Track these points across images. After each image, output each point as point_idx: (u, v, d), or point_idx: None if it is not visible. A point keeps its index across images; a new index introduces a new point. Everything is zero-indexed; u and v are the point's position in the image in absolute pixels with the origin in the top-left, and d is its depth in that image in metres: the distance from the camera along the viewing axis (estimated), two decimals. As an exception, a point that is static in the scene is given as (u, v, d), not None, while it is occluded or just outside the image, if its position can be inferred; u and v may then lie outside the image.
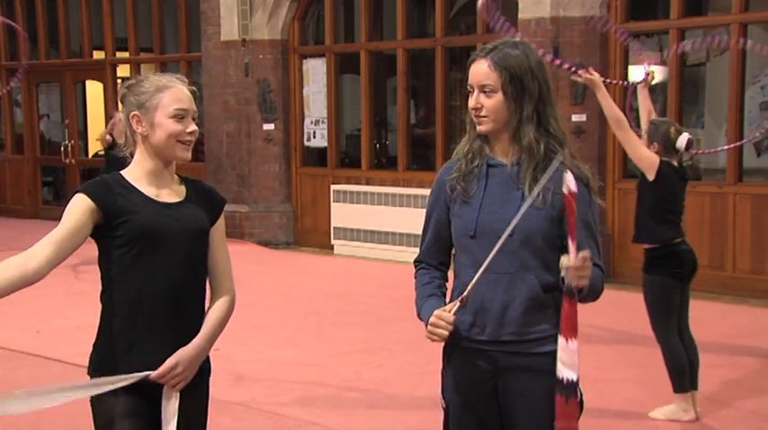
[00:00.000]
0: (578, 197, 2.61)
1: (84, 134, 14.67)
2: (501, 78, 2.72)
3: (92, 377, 2.77)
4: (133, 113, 2.80)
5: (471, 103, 2.77)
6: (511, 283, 2.72)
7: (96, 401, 2.75)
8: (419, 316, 2.81)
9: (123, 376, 2.69)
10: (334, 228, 11.34)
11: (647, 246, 5.27)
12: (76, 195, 2.73)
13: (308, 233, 12.12)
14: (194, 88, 2.89)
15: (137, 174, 2.82)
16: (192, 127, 2.80)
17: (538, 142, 2.73)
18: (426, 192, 10.66)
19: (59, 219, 2.72)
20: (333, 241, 11.43)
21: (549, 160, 2.72)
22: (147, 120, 2.78)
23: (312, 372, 6.34)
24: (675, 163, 5.26)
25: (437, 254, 2.90)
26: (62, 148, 14.39)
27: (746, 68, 9.06)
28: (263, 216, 12.16)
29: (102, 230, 2.73)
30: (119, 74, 14.15)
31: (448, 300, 2.84)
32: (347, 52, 12.11)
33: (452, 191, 2.81)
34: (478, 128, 2.78)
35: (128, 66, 13.90)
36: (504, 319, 2.73)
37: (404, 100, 11.46)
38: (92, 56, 14.75)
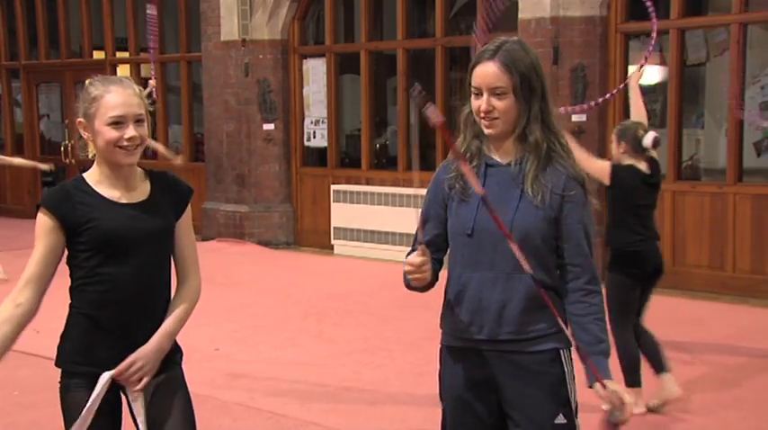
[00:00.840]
0: (574, 198, 2.65)
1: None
2: (512, 80, 2.70)
3: (61, 369, 2.81)
4: (79, 120, 2.81)
5: (482, 106, 2.73)
6: (508, 283, 2.72)
7: (65, 399, 2.77)
8: (405, 281, 2.79)
9: (93, 397, 2.70)
10: (334, 228, 11.34)
11: (611, 247, 5.40)
12: (39, 214, 2.76)
13: (308, 233, 12.11)
14: (137, 88, 2.84)
15: (97, 177, 2.82)
16: (131, 132, 2.75)
17: (543, 140, 2.73)
18: (425, 191, 10.67)
19: None
20: (333, 241, 11.43)
21: (549, 158, 2.73)
22: (90, 128, 2.78)
23: (312, 372, 6.34)
24: (643, 166, 5.32)
25: (431, 251, 2.87)
26: (62, 148, 14.39)
27: (747, 68, 9.05)
28: (263, 216, 12.15)
29: (67, 238, 2.76)
30: (119, 74, 14.14)
31: (443, 301, 2.86)
32: (347, 52, 12.10)
33: (450, 189, 2.81)
34: (488, 130, 2.75)
35: (128, 66, 13.90)
36: (501, 319, 2.72)
37: (404, 100, 11.45)
38: (92, 56, 14.74)
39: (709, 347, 6.79)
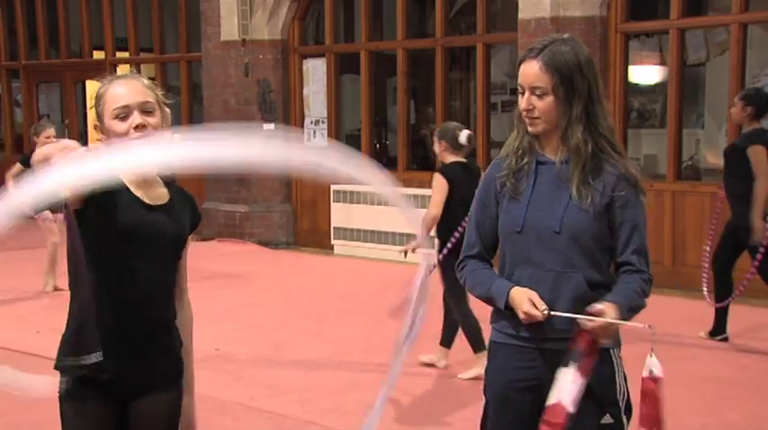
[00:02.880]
0: (625, 197, 2.70)
1: (84, 134, 14.66)
2: (552, 80, 2.70)
3: (60, 374, 2.74)
4: (95, 124, 2.79)
5: (523, 104, 2.74)
6: (557, 281, 2.72)
7: (62, 403, 2.73)
8: (489, 294, 2.78)
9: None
10: (334, 228, 11.33)
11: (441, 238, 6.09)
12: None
13: (308, 233, 12.11)
14: (145, 80, 2.81)
15: (126, 174, 2.79)
16: (137, 120, 2.69)
17: (585, 143, 2.72)
18: (426, 191, 10.66)
19: None
20: (333, 241, 11.42)
21: (597, 160, 2.72)
22: (103, 128, 2.75)
23: (312, 372, 6.33)
24: (463, 160, 6.09)
25: (481, 250, 2.88)
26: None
27: (746, 68, 9.05)
28: (263, 216, 12.15)
29: (79, 221, 2.66)
30: (119, 74, 14.14)
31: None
32: (347, 52, 12.10)
33: (502, 187, 2.81)
34: (530, 129, 2.76)
35: (128, 66, 13.89)
36: (550, 317, 2.71)
37: (404, 100, 11.46)
38: (92, 56, 14.74)
39: (710, 347, 6.79)
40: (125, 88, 2.72)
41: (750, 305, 7.94)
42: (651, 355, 2.61)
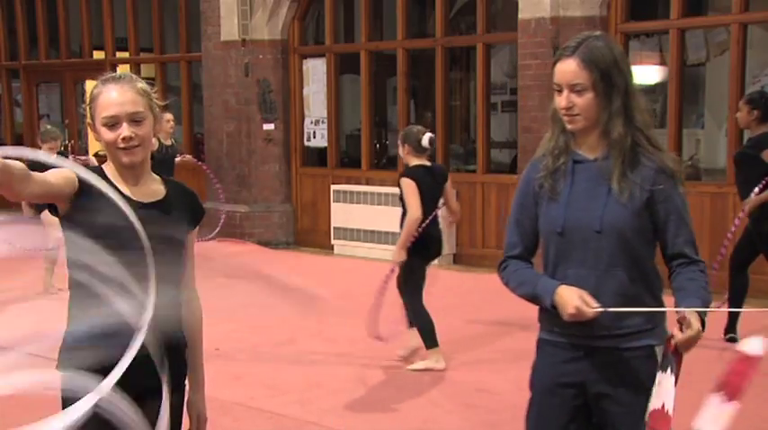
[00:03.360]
0: (665, 191, 2.71)
1: (83, 134, 14.67)
2: (591, 76, 2.71)
3: (60, 370, 2.73)
4: (88, 121, 2.79)
5: (562, 102, 2.75)
6: (600, 280, 2.73)
7: (65, 405, 2.71)
8: (535, 292, 2.78)
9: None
10: (334, 228, 11.34)
11: None
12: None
13: (308, 233, 12.12)
14: (143, 86, 2.79)
15: (113, 171, 2.80)
16: (125, 133, 2.69)
17: (626, 136, 2.73)
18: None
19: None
20: (333, 241, 11.43)
21: (634, 153, 2.74)
22: (94, 128, 2.77)
23: (312, 372, 6.34)
24: (426, 162, 6.31)
25: (523, 251, 2.89)
26: (62, 148, 14.37)
27: (747, 68, 9.06)
28: (263, 216, 12.16)
29: (68, 222, 2.65)
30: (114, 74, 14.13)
31: None
32: (347, 52, 12.10)
33: (540, 188, 2.82)
34: (571, 126, 2.77)
35: (128, 66, 13.89)
36: (594, 316, 2.72)
37: (404, 100, 11.46)
38: (92, 56, 14.74)
39: (710, 346, 6.78)
40: (117, 95, 2.70)
41: (750, 305, 7.94)
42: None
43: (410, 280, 6.32)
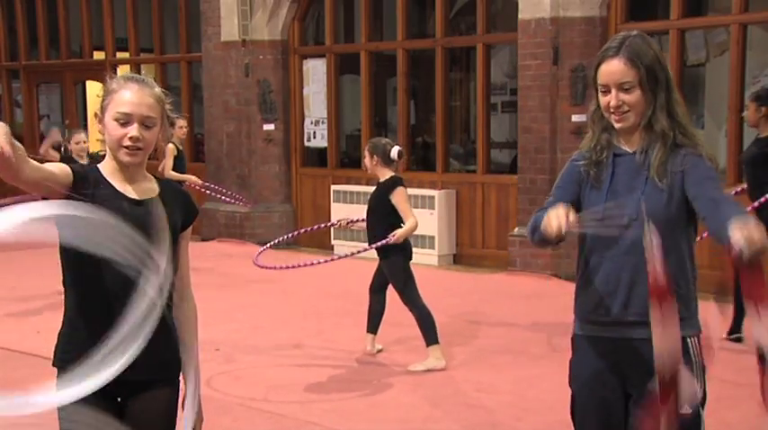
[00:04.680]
0: (691, 164, 2.75)
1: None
2: (638, 73, 2.77)
3: (57, 369, 2.73)
4: (95, 112, 2.81)
5: (612, 101, 2.79)
6: (637, 266, 2.75)
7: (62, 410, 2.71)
8: (534, 228, 2.79)
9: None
10: (335, 228, 11.32)
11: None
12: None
13: (308, 233, 12.09)
14: (159, 92, 2.82)
15: (109, 169, 2.81)
16: (133, 132, 2.72)
17: (669, 128, 2.80)
18: (426, 192, 10.66)
19: None
20: (332, 241, 11.43)
21: (675, 145, 2.80)
22: (102, 120, 2.78)
23: (312, 372, 6.34)
24: (394, 173, 6.58)
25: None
26: (61, 148, 14.37)
27: (746, 69, 9.06)
28: (264, 216, 12.16)
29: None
30: (119, 74, 14.14)
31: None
32: (347, 53, 12.11)
33: (586, 174, 2.88)
34: (621, 125, 2.82)
35: (128, 66, 13.90)
36: (629, 301, 2.78)
37: (404, 100, 11.46)
38: (92, 56, 14.75)
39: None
40: (135, 95, 2.74)
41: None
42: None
43: (407, 280, 6.44)
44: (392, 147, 6.55)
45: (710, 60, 11.72)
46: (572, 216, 2.66)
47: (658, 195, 2.77)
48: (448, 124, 11.29)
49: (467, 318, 7.90)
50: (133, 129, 2.72)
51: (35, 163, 2.57)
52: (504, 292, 9.02)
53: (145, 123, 2.74)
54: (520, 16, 9.64)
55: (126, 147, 2.73)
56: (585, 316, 2.84)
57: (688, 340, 2.79)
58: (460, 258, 10.65)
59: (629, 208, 2.77)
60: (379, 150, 6.52)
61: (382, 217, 6.51)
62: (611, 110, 2.81)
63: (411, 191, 10.57)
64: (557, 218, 2.63)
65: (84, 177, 2.71)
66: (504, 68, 12.89)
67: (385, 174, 6.53)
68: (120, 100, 2.74)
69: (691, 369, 2.81)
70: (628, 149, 2.85)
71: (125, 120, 2.72)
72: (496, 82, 12.09)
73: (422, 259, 10.50)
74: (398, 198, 6.42)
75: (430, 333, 6.36)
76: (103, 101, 2.78)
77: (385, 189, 6.49)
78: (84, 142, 8.68)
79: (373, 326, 6.71)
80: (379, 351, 6.76)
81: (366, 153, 6.68)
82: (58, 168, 2.66)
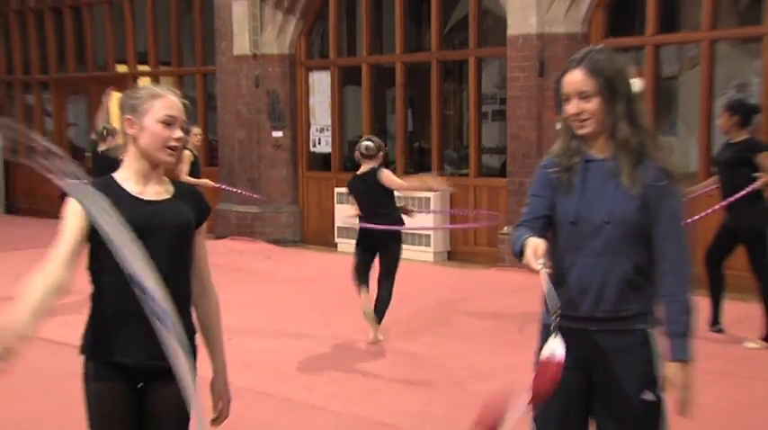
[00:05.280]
0: (664, 188, 2.73)
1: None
2: (597, 83, 2.74)
3: (85, 358, 2.73)
4: (126, 116, 2.77)
5: (572, 109, 2.77)
6: (608, 266, 2.74)
7: (87, 387, 2.71)
8: (515, 249, 2.74)
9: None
10: (338, 227, 11.32)
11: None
12: (69, 200, 2.69)
13: (314, 232, 12.10)
14: (186, 102, 2.85)
15: (125, 175, 2.78)
16: (179, 134, 2.75)
17: (632, 137, 2.76)
18: (423, 193, 10.61)
19: None
20: (336, 240, 11.41)
21: (640, 153, 2.76)
22: (138, 124, 2.74)
23: (317, 360, 6.33)
24: (374, 165, 6.78)
25: (536, 222, 2.84)
26: (87, 154, 14.37)
27: (715, 81, 9.06)
28: (273, 216, 12.14)
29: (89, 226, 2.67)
30: (146, 83, 14.12)
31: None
32: (350, 65, 12.10)
33: (558, 180, 2.83)
34: (581, 131, 2.79)
35: (148, 78, 13.87)
36: (600, 298, 2.75)
37: (402, 109, 11.45)
38: (115, 69, 14.73)
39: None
40: (177, 103, 2.77)
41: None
42: (558, 339, 2.58)
43: (397, 265, 6.77)
44: (362, 142, 6.90)
45: (683, 73, 11.71)
46: (541, 250, 2.61)
47: (629, 202, 2.73)
48: (442, 131, 11.28)
49: (460, 310, 7.89)
50: (178, 131, 2.74)
51: (63, 267, 2.58)
52: (495, 286, 9.00)
53: (183, 127, 2.77)
54: (509, 32, 9.63)
55: (170, 148, 2.74)
56: (553, 314, 2.73)
57: (649, 331, 2.77)
58: (454, 255, 10.64)
59: (601, 211, 2.74)
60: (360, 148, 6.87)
61: (384, 198, 6.82)
62: (573, 117, 2.78)
63: (408, 192, 10.60)
64: (534, 258, 2.60)
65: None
66: (494, 80, 12.87)
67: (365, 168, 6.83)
68: (167, 104, 2.74)
69: (652, 358, 2.77)
70: (599, 156, 2.81)
71: (171, 122, 2.73)
72: (487, 92, 12.07)
73: (418, 256, 10.50)
74: (390, 179, 6.74)
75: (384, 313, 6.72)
76: (140, 105, 2.74)
77: (384, 172, 6.78)
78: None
79: (381, 316, 6.72)
80: (379, 340, 6.74)
81: (372, 152, 6.91)
82: (78, 219, 2.65)
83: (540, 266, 2.56)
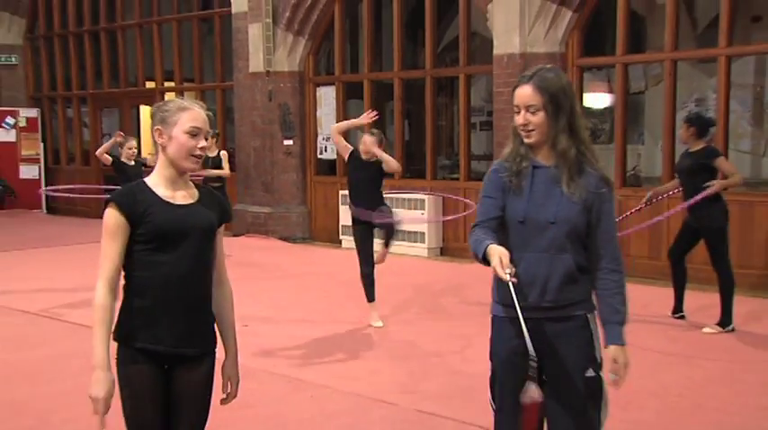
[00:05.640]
0: (604, 195, 2.75)
1: (137, 150, 14.64)
2: (542, 99, 2.71)
3: (118, 344, 2.73)
4: (156, 127, 2.75)
5: (520, 120, 2.75)
6: (551, 262, 2.73)
7: (119, 371, 2.71)
8: (476, 251, 2.69)
9: None
10: (342, 226, 11.30)
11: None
12: (108, 209, 2.67)
13: (321, 230, 12.10)
14: (210, 113, 2.83)
15: (155, 180, 2.76)
16: (203, 143, 2.73)
17: (570, 148, 2.74)
18: (417, 196, 10.61)
19: None
20: (341, 237, 11.40)
21: (579, 163, 2.75)
22: (166, 134, 2.73)
23: (324, 345, 6.32)
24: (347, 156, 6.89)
25: (491, 222, 2.80)
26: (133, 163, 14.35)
27: (677, 96, 9.07)
28: (284, 216, 12.14)
29: (130, 230, 2.69)
30: (172, 97, 14.13)
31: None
32: (353, 81, 12.09)
33: (509, 182, 2.80)
34: (527, 140, 2.77)
35: (174, 93, 13.88)
36: (545, 290, 2.73)
37: (399, 121, 11.44)
38: (145, 85, 14.74)
39: (647, 322, 6.77)
40: (202, 114, 2.75)
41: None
42: (533, 384, 2.59)
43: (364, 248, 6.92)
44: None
45: (649, 89, 11.72)
46: (506, 260, 2.56)
47: (572, 206, 2.71)
48: (436, 140, 11.27)
49: (452, 301, 7.89)
50: (202, 141, 2.73)
51: (113, 281, 2.67)
52: (484, 279, 8.89)
53: (206, 137, 2.76)
54: (495, 52, 9.62)
55: (195, 156, 2.72)
56: (506, 301, 2.70)
57: (587, 316, 2.78)
58: (446, 250, 10.63)
59: (547, 213, 2.72)
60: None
61: (375, 185, 6.91)
62: (520, 127, 2.76)
63: (406, 194, 10.61)
64: (501, 268, 2.54)
65: (132, 203, 2.67)
66: (482, 94, 12.89)
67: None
68: (193, 116, 2.72)
69: (592, 340, 2.77)
70: (544, 163, 2.78)
71: (196, 133, 2.71)
72: (476, 105, 12.07)
73: (413, 251, 10.50)
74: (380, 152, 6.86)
75: (369, 291, 6.81)
76: (169, 117, 2.72)
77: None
78: (135, 148, 8.64)
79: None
80: (380, 327, 6.73)
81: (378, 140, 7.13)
82: (119, 230, 2.65)
83: (508, 277, 2.53)
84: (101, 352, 2.62)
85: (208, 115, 2.81)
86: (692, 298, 7.05)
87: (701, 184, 6.44)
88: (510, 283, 2.53)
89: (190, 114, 2.72)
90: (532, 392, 2.57)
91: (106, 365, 2.61)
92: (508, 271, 2.53)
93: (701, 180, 6.45)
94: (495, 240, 2.67)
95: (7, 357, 5.98)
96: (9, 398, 5.08)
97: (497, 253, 2.57)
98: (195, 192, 2.81)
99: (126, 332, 2.71)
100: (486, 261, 2.62)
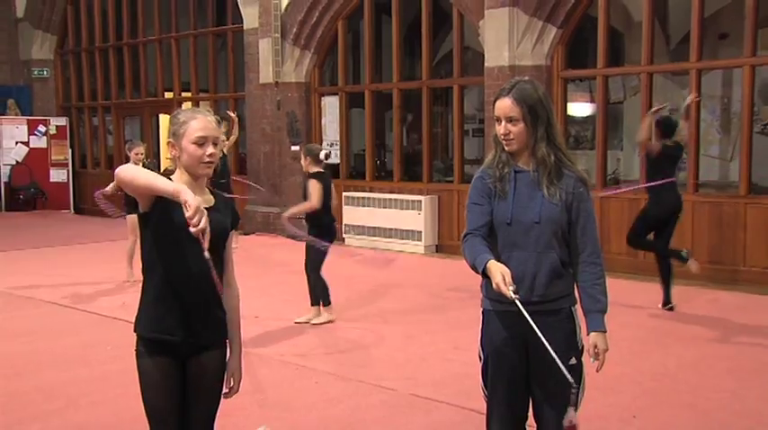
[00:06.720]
0: (581, 194, 2.75)
1: (157, 154, 14.67)
2: (522, 110, 2.71)
3: (137, 336, 2.72)
4: (169, 141, 2.75)
5: (501, 130, 2.75)
6: (538, 259, 2.72)
7: (139, 362, 2.70)
8: (474, 263, 2.69)
9: None
10: (345, 225, 11.31)
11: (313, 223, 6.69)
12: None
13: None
14: (218, 117, 2.80)
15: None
16: (210, 150, 2.69)
17: (549, 155, 2.74)
18: (415, 197, 10.61)
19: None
20: (344, 235, 11.41)
21: (557, 167, 2.75)
22: (177, 146, 2.72)
23: (328, 334, 6.33)
24: (322, 170, 6.57)
25: (482, 229, 2.79)
26: (141, 166, 14.34)
27: (652, 106, 9.05)
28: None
29: (147, 220, 2.65)
30: (184, 108, 14.12)
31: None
32: (355, 91, 12.08)
33: (494, 188, 2.80)
34: (507, 148, 2.77)
35: (190, 103, 13.88)
36: (533, 286, 2.72)
37: (398, 128, 11.44)
38: (164, 95, 14.74)
39: (624, 312, 6.78)
40: (207, 122, 2.71)
41: (657, 283, 7.94)
42: (572, 409, 2.62)
43: (315, 256, 6.75)
44: (320, 151, 6.61)
45: (627, 99, 11.72)
46: (509, 277, 2.55)
47: (553, 207, 2.72)
48: (431, 146, 11.27)
49: (446, 294, 7.89)
50: (210, 148, 2.69)
51: (148, 174, 2.61)
52: (475, 275, 8.97)
53: (214, 142, 2.72)
54: (486, 64, 9.63)
55: (205, 163, 2.69)
56: (496, 296, 2.69)
57: (571, 308, 2.79)
58: (442, 248, 10.63)
59: (532, 214, 2.72)
60: (312, 153, 6.57)
61: (305, 199, 6.70)
62: (501, 136, 2.76)
63: (403, 196, 10.62)
64: (505, 287, 2.53)
65: (159, 199, 2.64)
66: (475, 104, 12.90)
67: (313, 170, 6.56)
68: (198, 126, 2.68)
69: (575, 330, 2.79)
70: (525, 168, 2.78)
71: (202, 142, 2.68)
72: (468, 114, 12.08)
73: (411, 248, 10.50)
74: (312, 186, 6.49)
75: (324, 297, 6.66)
76: (177, 130, 2.71)
77: (308, 180, 6.58)
78: (141, 153, 8.46)
79: (326, 300, 6.67)
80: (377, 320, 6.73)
81: (301, 154, 6.70)
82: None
83: (513, 295, 2.52)
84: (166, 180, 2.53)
85: (216, 120, 2.78)
86: (649, 289, 7.06)
87: (659, 175, 6.76)
88: (516, 300, 2.53)
89: (195, 124, 2.69)
90: (572, 417, 2.60)
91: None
92: (512, 288, 2.53)
93: (662, 171, 6.75)
94: (492, 253, 2.67)
95: (37, 346, 5.99)
96: (39, 383, 5.09)
97: (498, 271, 2.56)
98: (211, 199, 2.80)
99: (144, 324, 2.71)
100: (485, 275, 2.63)
